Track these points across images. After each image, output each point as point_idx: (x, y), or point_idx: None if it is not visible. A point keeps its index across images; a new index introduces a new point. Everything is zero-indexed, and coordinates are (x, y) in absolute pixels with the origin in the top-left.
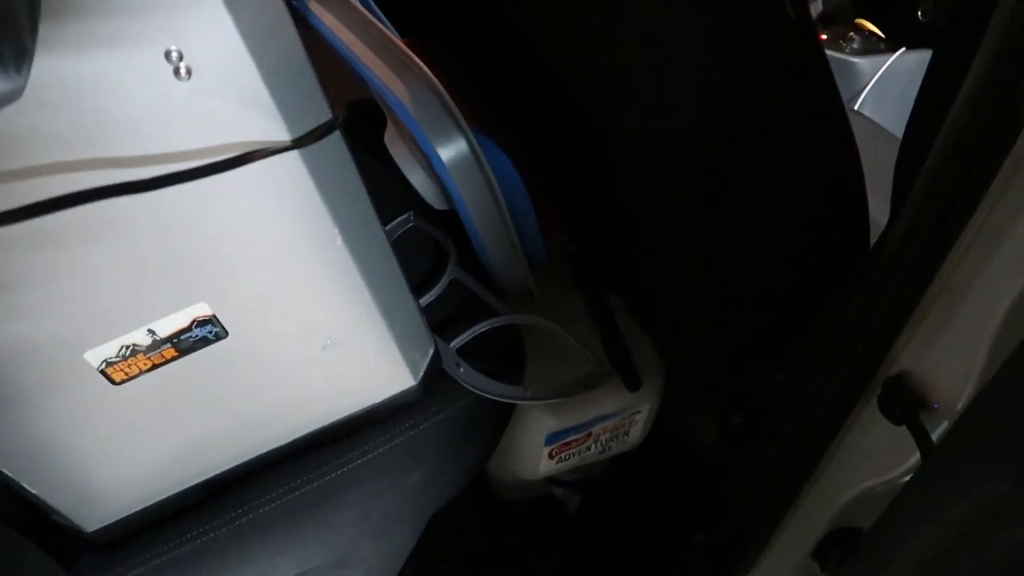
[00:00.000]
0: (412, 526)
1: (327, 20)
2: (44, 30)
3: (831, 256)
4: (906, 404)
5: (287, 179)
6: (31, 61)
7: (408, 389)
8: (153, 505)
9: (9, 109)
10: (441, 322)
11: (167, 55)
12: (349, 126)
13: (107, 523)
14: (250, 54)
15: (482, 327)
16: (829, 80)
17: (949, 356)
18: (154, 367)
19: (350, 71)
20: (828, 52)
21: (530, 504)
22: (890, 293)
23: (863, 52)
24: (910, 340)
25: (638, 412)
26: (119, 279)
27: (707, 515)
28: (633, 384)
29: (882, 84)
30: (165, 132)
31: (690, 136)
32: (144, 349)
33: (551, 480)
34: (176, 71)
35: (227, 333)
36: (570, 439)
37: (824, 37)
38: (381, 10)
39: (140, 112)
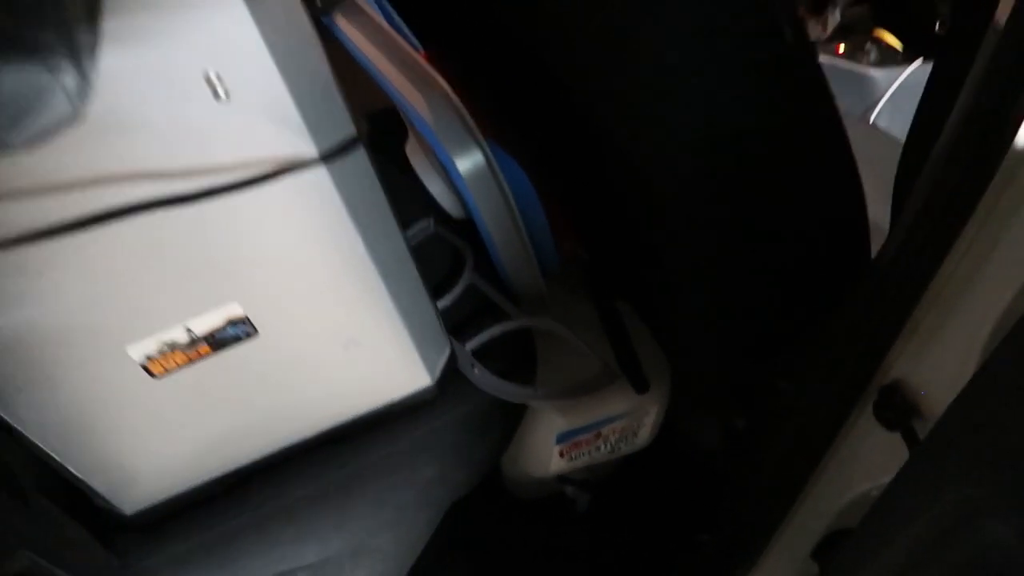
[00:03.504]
0: (427, 519)
1: (353, 36)
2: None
3: (831, 265)
4: (900, 411)
5: (314, 191)
6: (90, 91)
7: (425, 388)
8: (186, 492)
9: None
10: (457, 324)
11: (207, 78)
12: (374, 136)
13: (144, 507)
14: (282, 77)
15: (496, 330)
16: (827, 99)
17: (941, 365)
18: (190, 362)
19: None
20: (845, 63)
21: (542, 501)
22: (885, 303)
23: (880, 63)
24: (904, 349)
25: (646, 414)
26: (161, 280)
27: (711, 515)
28: (641, 387)
29: (898, 96)
30: (204, 148)
31: (690, 148)
32: (182, 345)
33: (562, 478)
34: (215, 93)
35: (257, 332)
36: (580, 439)
37: (841, 48)
38: (403, 21)
39: (182, 130)
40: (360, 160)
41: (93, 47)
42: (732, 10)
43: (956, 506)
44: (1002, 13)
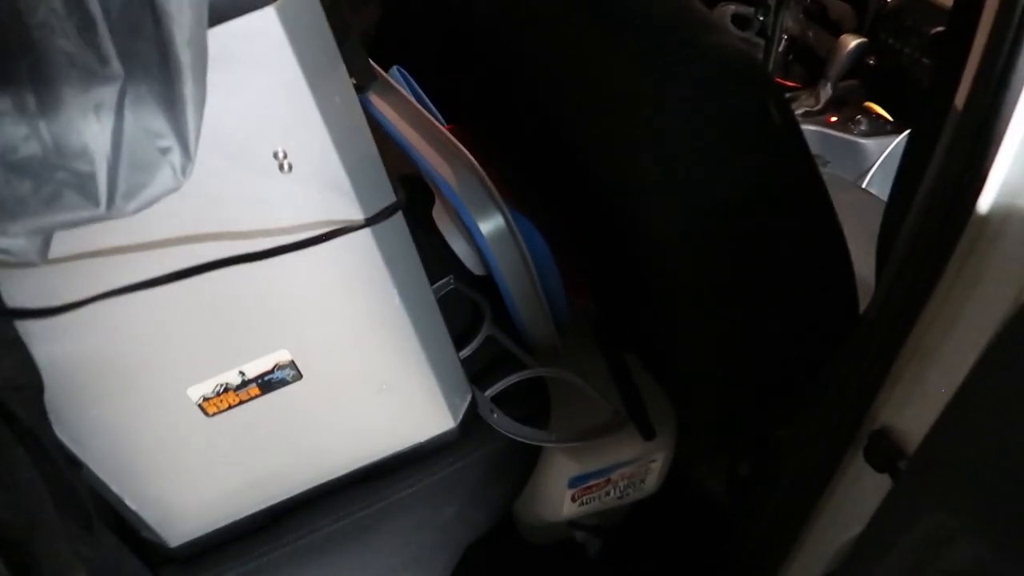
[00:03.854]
0: (446, 560)
1: (385, 111)
2: None
3: (823, 322)
4: (887, 454)
5: (359, 250)
6: (193, 166)
7: (448, 431)
8: (226, 526)
9: None
10: (477, 373)
11: (275, 155)
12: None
13: (187, 540)
14: (337, 153)
15: (513, 378)
16: (813, 170)
17: (922, 411)
18: (240, 403)
19: (401, 151)
20: (838, 133)
21: (554, 546)
22: (871, 355)
23: (871, 134)
24: (889, 398)
25: (653, 460)
26: (223, 328)
27: (718, 560)
28: (648, 434)
29: (888, 163)
30: (270, 212)
31: (688, 214)
32: (235, 387)
33: (573, 523)
34: (281, 167)
35: (301, 376)
36: (591, 483)
37: (834, 119)
38: (430, 98)
39: (252, 198)
40: (398, 223)
41: (197, 133)
42: (725, 97)
43: (930, 532)
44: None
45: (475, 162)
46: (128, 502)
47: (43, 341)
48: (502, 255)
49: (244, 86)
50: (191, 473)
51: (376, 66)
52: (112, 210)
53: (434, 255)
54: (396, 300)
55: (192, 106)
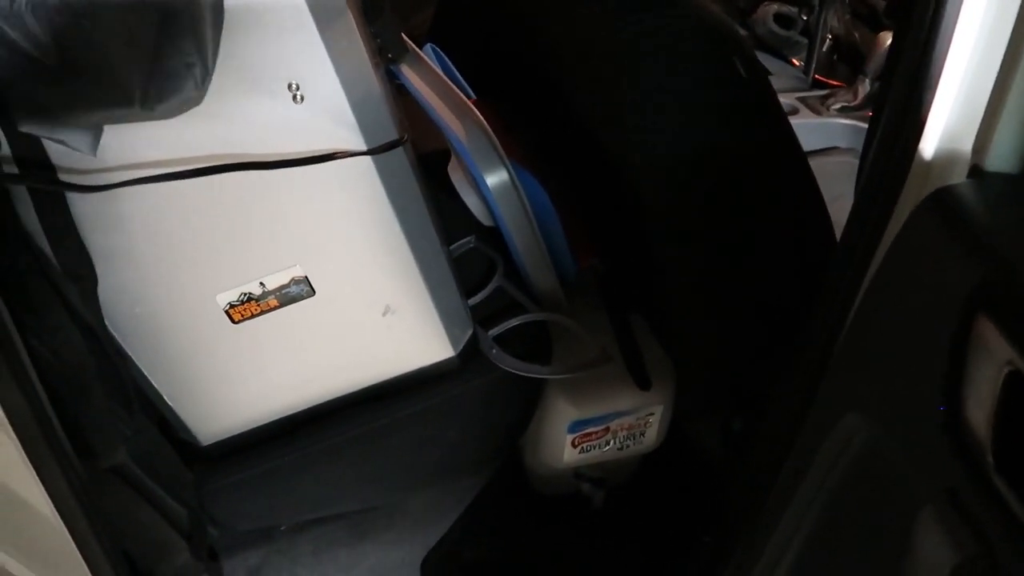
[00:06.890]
0: (455, 497)
1: (412, 79)
2: (217, 62)
3: (806, 274)
4: None
5: (361, 177)
6: (210, 79)
7: (448, 359)
8: (250, 431)
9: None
10: (485, 317)
11: (289, 86)
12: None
13: (216, 440)
14: (343, 89)
15: (514, 321)
16: (782, 120)
17: None
18: (261, 313)
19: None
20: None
21: (561, 498)
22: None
23: None
24: None
25: (651, 413)
26: (243, 241)
27: (714, 517)
28: (643, 383)
29: None
30: (283, 137)
31: (664, 157)
32: (256, 298)
33: (578, 475)
34: (295, 97)
35: (314, 292)
36: (590, 431)
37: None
38: (462, 75)
39: (269, 122)
40: (399, 157)
41: (215, 52)
42: (693, 50)
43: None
44: None
45: (484, 122)
46: (167, 399)
47: (92, 230)
48: (505, 204)
49: (263, 25)
50: (221, 376)
51: (411, 42)
52: (145, 110)
53: (459, 217)
54: (397, 228)
55: (211, 30)
